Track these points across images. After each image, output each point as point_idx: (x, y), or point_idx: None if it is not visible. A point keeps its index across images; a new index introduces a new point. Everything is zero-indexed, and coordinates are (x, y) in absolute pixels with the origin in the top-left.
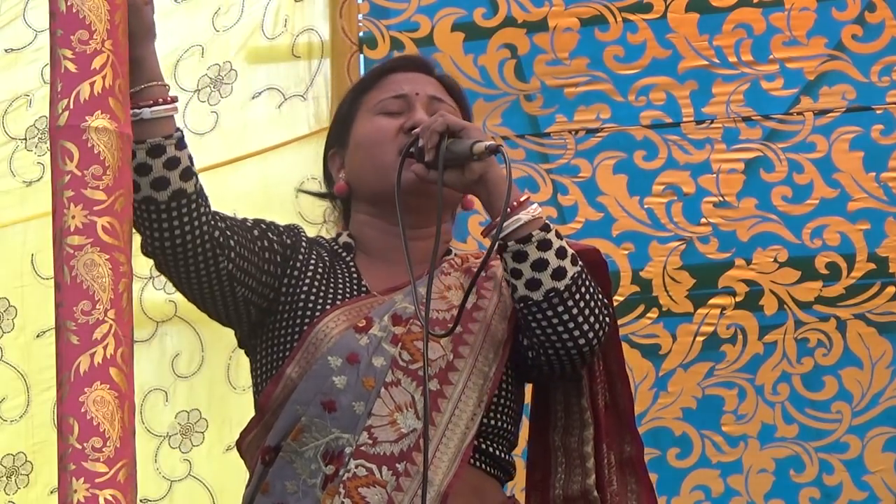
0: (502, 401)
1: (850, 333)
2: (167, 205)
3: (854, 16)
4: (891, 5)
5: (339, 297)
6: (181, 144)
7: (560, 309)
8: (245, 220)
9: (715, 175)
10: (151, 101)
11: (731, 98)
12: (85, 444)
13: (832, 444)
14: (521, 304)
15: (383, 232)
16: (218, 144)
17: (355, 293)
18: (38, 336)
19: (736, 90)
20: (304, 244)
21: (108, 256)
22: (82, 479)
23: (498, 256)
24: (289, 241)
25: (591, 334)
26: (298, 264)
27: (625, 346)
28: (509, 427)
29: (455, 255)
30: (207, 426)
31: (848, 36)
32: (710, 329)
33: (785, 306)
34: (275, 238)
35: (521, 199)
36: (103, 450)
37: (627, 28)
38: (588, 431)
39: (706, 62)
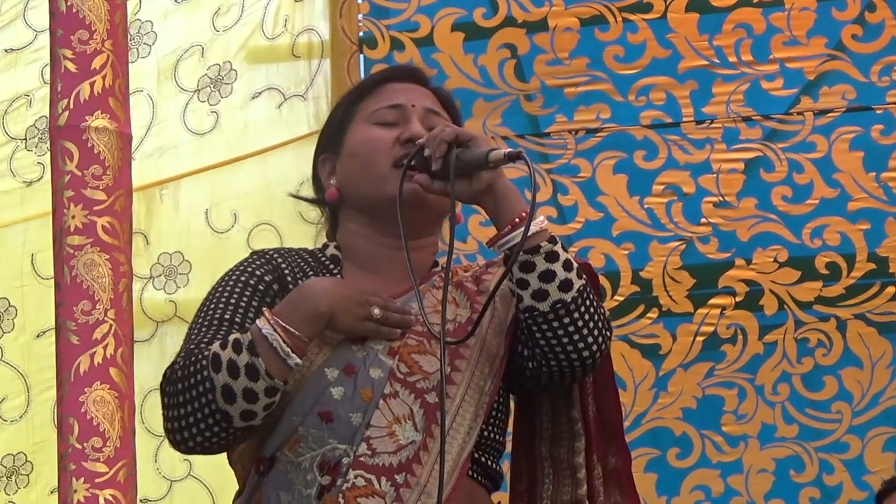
0: (493, 412)
1: (850, 333)
2: (235, 431)
3: (854, 16)
4: (891, 5)
5: None
6: (281, 392)
7: (566, 321)
8: (246, 316)
9: (715, 175)
10: (300, 353)
11: (731, 98)
12: (85, 444)
13: (832, 444)
14: (527, 315)
15: (374, 242)
16: (218, 144)
17: None
18: (38, 336)
19: (736, 90)
20: (288, 278)
21: (108, 256)
22: (82, 479)
23: (489, 271)
24: (276, 287)
25: (594, 346)
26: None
27: (625, 346)
28: (498, 437)
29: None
30: None
31: (848, 36)
32: (710, 329)
33: (785, 306)
34: (268, 302)
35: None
36: (103, 450)
37: (627, 28)
38: (579, 442)
39: (706, 62)
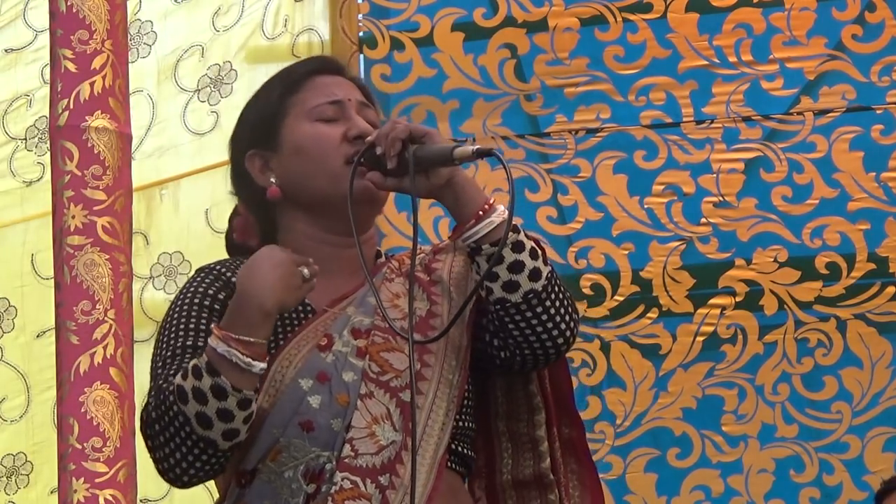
0: (465, 402)
1: (850, 333)
2: (223, 453)
3: (854, 16)
4: (891, 5)
5: (289, 326)
6: (255, 401)
7: (539, 309)
8: (208, 339)
9: (715, 175)
10: (262, 358)
11: (731, 98)
12: (85, 444)
13: (832, 444)
14: (498, 307)
15: (319, 241)
16: (218, 144)
17: (301, 317)
18: (38, 336)
19: (736, 90)
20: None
21: (108, 256)
22: (82, 479)
23: (437, 258)
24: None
25: (567, 332)
26: None
27: (625, 346)
28: (469, 424)
29: (388, 258)
30: None
31: (848, 36)
32: (710, 329)
33: (785, 306)
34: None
35: (491, 202)
36: (103, 450)
37: (627, 28)
38: (539, 416)
39: (706, 62)
